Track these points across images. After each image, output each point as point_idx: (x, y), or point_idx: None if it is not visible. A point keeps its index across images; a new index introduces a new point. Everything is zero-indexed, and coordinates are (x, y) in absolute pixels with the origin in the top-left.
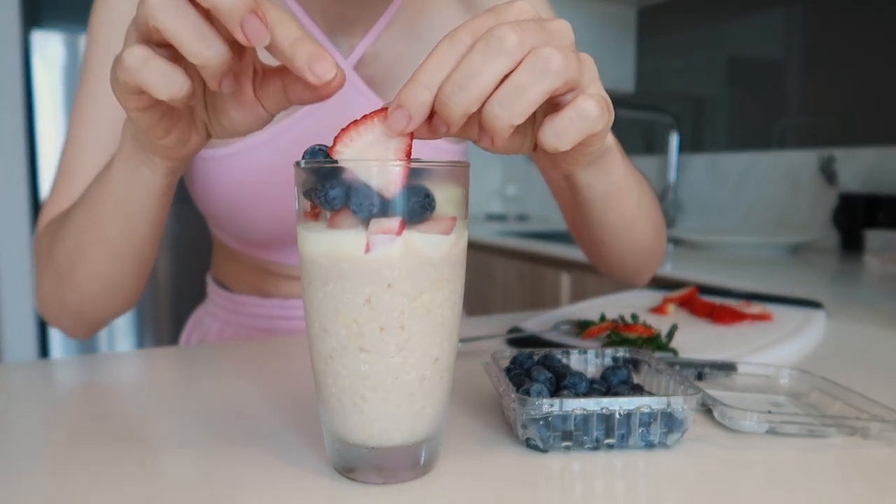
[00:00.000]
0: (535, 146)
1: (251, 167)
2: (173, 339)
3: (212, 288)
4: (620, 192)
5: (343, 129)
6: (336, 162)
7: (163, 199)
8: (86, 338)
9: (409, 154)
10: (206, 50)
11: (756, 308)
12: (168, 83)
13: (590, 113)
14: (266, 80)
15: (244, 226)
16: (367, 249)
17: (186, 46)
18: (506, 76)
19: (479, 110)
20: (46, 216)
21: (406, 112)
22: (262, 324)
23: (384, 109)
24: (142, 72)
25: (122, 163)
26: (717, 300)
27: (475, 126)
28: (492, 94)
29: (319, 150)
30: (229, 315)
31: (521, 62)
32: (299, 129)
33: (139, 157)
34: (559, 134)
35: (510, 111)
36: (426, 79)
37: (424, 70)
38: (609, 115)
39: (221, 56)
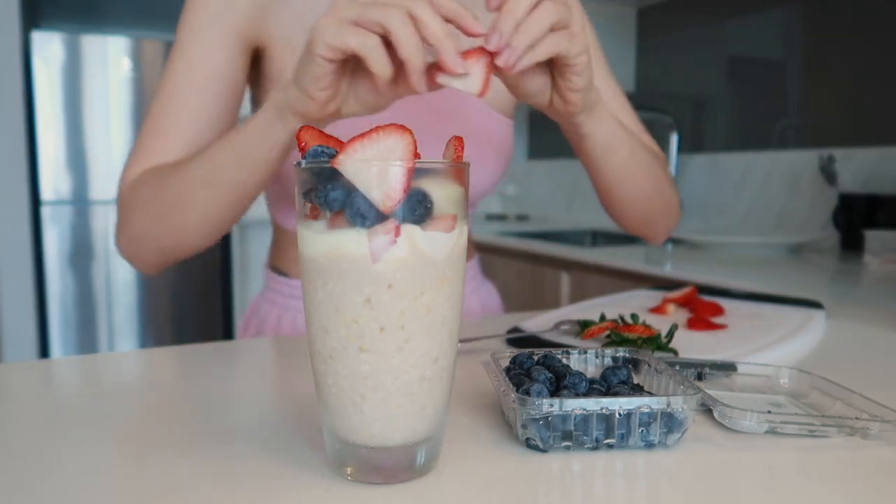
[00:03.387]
0: (550, 103)
1: (343, 128)
2: (174, 339)
3: (269, 276)
4: (615, 140)
5: (348, 141)
6: (333, 155)
7: (282, 155)
8: (156, 272)
9: (411, 171)
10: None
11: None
12: (384, 66)
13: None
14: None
15: None
16: (373, 260)
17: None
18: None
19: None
20: (134, 170)
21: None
22: None
23: (389, 126)
24: (373, 54)
25: (258, 126)
26: (717, 299)
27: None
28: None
29: (321, 151)
30: (287, 300)
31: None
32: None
33: (276, 119)
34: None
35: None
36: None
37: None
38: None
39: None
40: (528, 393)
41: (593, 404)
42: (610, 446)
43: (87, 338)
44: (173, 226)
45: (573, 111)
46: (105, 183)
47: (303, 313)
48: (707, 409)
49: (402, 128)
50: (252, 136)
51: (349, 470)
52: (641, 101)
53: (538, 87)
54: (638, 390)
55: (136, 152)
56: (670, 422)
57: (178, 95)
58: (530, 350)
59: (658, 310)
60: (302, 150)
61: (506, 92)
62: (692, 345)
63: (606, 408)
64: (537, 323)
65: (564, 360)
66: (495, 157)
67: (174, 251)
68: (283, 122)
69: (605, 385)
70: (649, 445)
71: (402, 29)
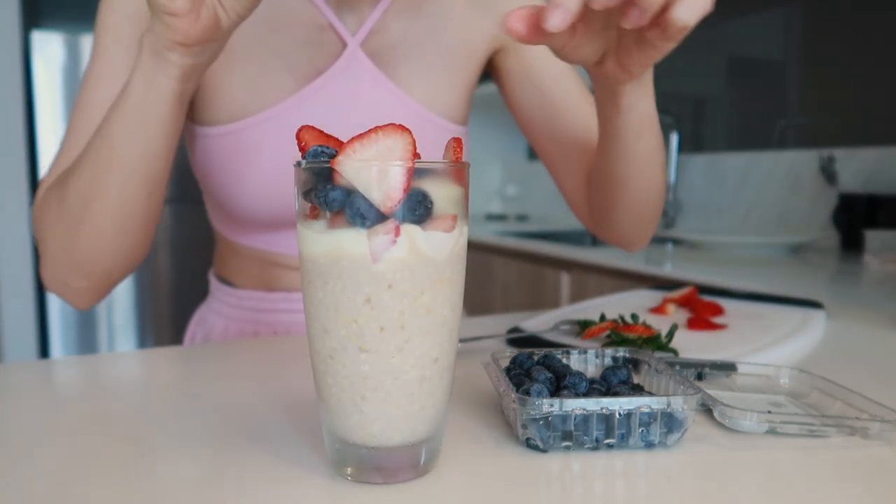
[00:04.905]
0: (600, 63)
1: (257, 143)
2: (174, 339)
3: (214, 285)
4: (651, 121)
5: (347, 142)
6: (334, 155)
7: (176, 108)
8: (93, 303)
9: (411, 171)
10: None
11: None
12: None
13: None
14: None
15: (248, 206)
16: (374, 260)
17: None
18: None
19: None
20: (45, 186)
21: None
22: (265, 318)
23: (388, 125)
24: None
25: (139, 76)
26: (717, 299)
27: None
28: None
29: (322, 151)
30: (233, 311)
31: None
32: (305, 106)
33: (156, 64)
34: (691, 6)
35: (693, 15)
36: None
37: None
38: None
39: None
40: (528, 393)
41: (593, 404)
42: (610, 446)
43: (87, 338)
44: (85, 232)
45: (625, 79)
46: None
47: (249, 323)
48: (707, 409)
49: (402, 127)
50: (137, 93)
51: (349, 470)
52: None
53: (595, 50)
54: (638, 390)
55: (50, 171)
56: (670, 422)
57: (94, 106)
58: (530, 350)
59: (658, 310)
60: (302, 150)
61: (454, 96)
62: (692, 345)
63: (606, 408)
64: (537, 323)
65: (564, 360)
66: None
67: (94, 266)
68: (163, 63)
69: (605, 385)
70: (649, 445)
71: None
